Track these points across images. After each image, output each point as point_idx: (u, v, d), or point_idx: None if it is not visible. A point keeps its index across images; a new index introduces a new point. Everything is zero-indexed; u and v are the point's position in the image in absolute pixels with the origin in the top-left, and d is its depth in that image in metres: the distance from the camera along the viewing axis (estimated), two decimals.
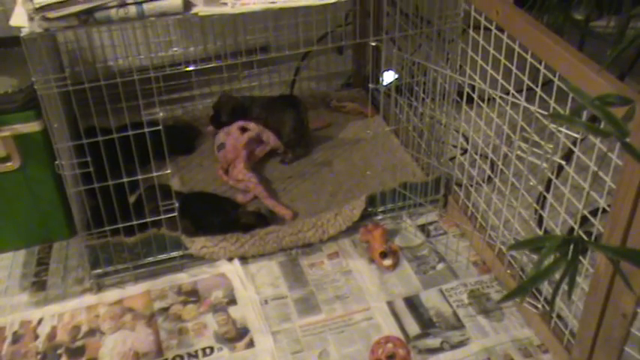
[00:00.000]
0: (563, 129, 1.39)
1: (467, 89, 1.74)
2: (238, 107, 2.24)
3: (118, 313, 1.72)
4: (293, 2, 1.53)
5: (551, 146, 1.44)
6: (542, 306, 1.60)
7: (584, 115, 1.27)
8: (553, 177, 1.57)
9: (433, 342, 1.62)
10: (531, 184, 1.58)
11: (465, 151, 1.97)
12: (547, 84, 1.41)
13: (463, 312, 1.70)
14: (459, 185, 1.95)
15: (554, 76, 1.35)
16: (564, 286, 0.88)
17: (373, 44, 1.93)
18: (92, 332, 1.68)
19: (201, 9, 1.49)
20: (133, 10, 1.42)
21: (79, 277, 1.83)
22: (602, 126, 1.04)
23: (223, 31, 2.33)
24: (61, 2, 1.38)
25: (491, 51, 1.58)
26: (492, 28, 1.54)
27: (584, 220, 1.44)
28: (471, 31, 1.65)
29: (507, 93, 1.52)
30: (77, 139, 1.60)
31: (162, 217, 1.73)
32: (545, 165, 1.46)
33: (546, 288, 1.63)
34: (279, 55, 1.98)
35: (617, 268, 1.17)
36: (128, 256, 1.79)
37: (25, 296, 1.78)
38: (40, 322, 1.71)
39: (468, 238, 1.90)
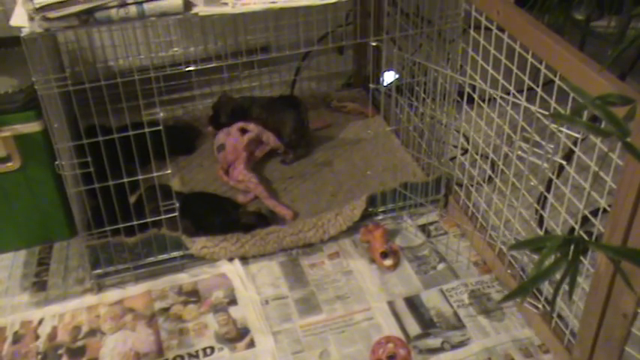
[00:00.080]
0: (563, 129, 1.39)
1: (467, 89, 1.74)
2: (238, 108, 2.24)
3: (119, 313, 1.72)
4: (293, 2, 1.53)
5: (552, 146, 1.44)
6: (543, 306, 1.60)
7: (585, 115, 1.27)
8: (554, 177, 1.57)
9: (434, 342, 1.62)
10: (532, 184, 1.58)
11: (465, 151, 1.97)
12: (548, 84, 1.41)
13: (464, 312, 1.69)
14: (460, 185, 1.94)
15: (555, 76, 1.34)
16: (565, 286, 0.88)
17: (374, 44, 1.93)
18: (93, 332, 1.68)
19: (201, 9, 1.49)
20: (133, 10, 1.42)
21: (80, 278, 1.83)
22: (602, 126, 1.04)
23: (224, 31, 2.33)
24: (61, 2, 1.38)
25: (492, 51, 1.58)
26: (493, 28, 1.53)
27: (584, 220, 1.44)
28: (471, 31, 1.65)
29: (508, 93, 1.52)
30: (77, 139, 1.60)
31: (163, 217, 1.73)
32: (545, 165, 1.46)
33: (547, 288, 1.63)
34: (280, 55, 1.98)
35: (618, 268, 1.17)
36: (129, 256, 1.79)
37: (25, 296, 1.78)
38: (40, 322, 1.71)
39: (469, 238, 1.90)
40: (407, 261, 1.85)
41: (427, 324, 1.67)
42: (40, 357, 1.62)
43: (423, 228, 1.97)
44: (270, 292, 1.77)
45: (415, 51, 1.99)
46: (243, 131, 2.14)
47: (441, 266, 1.84)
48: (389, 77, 2.17)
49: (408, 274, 1.82)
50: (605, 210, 1.28)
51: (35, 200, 1.85)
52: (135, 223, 1.73)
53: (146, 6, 1.43)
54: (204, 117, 2.38)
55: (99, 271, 1.78)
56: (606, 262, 1.24)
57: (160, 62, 2.31)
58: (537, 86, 1.44)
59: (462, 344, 1.61)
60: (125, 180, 1.66)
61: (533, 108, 1.42)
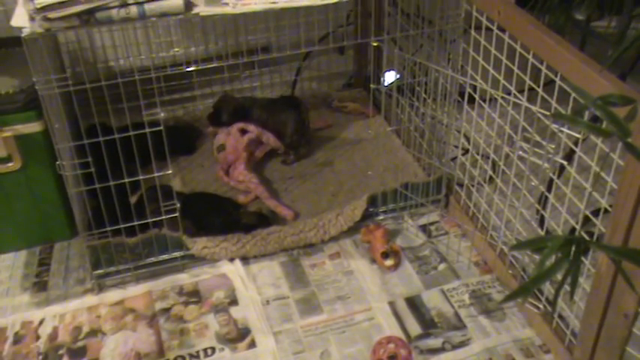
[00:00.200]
0: (564, 129, 1.39)
1: (468, 89, 1.74)
2: (239, 108, 2.24)
3: (120, 313, 1.72)
4: (294, 2, 1.53)
5: (553, 146, 1.44)
6: (544, 306, 1.60)
7: (586, 116, 1.27)
8: (555, 177, 1.57)
9: (435, 342, 1.62)
10: (533, 184, 1.58)
11: (466, 152, 1.97)
12: (548, 84, 1.41)
13: (465, 312, 1.69)
14: (461, 185, 1.94)
15: (556, 77, 1.34)
16: (566, 287, 0.88)
17: (374, 44, 1.93)
18: (93, 333, 1.68)
19: (202, 9, 1.49)
20: (134, 10, 1.42)
21: (81, 278, 1.83)
22: (603, 126, 1.04)
23: (224, 31, 2.33)
24: (62, 2, 1.38)
25: (493, 51, 1.58)
26: (494, 28, 1.53)
27: (585, 221, 1.44)
28: (472, 31, 1.65)
29: (509, 93, 1.52)
30: (78, 139, 1.60)
31: (164, 217, 1.73)
32: (546, 165, 1.46)
33: (547, 288, 1.63)
34: (281, 56, 1.98)
35: (619, 268, 1.17)
36: (129, 256, 1.79)
37: (26, 297, 1.79)
38: (41, 322, 1.71)
39: (470, 239, 1.90)
40: (408, 261, 1.85)
41: (428, 324, 1.67)
42: (40, 357, 1.62)
43: (424, 228, 1.97)
44: (270, 292, 1.77)
45: (416, 51, 1.99)
46: (243, 132, 2.14)
47: (441, 266, 1.84)
48: (390, 77, 2.17)
49: (409, 274, 1.82)
50: (606, 210, 1.28)
51: (36, 200, 1.85)
52: (136, 223, 1.73)
53: (147, 6, 1.43)
54: (204, 117, 2.38)
55: (100, 271, 1.78)
56: (607, 262, 1.24)
57: (160, 62, 2.31)
58: (538, 86, 1.44)
59: (462, 344, 1.61)
60: (126, 180, 1.66)
61: (534, 108, 1.42)
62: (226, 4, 1.52)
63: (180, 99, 2.49)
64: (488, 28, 1.56)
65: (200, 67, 2.07)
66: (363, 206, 1.93)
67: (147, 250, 1.80)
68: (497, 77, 1.59)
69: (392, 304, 1.73)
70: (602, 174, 1.29)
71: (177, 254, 1.83)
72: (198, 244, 1.82)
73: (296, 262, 1.87)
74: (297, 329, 1.67)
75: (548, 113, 1.34)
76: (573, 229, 1.47)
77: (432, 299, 1.74)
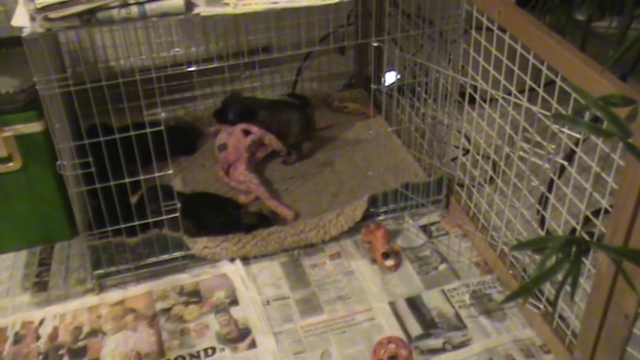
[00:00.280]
0: (565, 129, 1.39)
1: (469, 90, 1.74)
2: (247, 108, 2.23)
3: (120, 313, 1.72)
4: (295, 2, 1.53)
5: (553, 147, 1.44)
6: (544, 306, 1.60)
7: (587, 116, 1.27)
8: (555, 177, 1.57)
9: (435, 342, 1.62)
10: (533, 184, 1.58)
11: (466, 152, 1.97)
12: (549, 84, 1.41)
13: (465, 312, 1.69)
14: (461, 186, 1.94)
15: (556, 77, 1.34)
16: (567, 287, 0.88)
17: (375, 45, 1.93)
18: (94, 333, 1.68)
19: (203, 9, 1.49)
20: (135, 10, 1.42)
21: (81, 278, 1.83)
22: (604, 126, 1.04)
23: (225, 31, 2.33)
24: (62, 2, 1.38)
25: (493, 51, 1.58)
26: (494, 28, 1.53)
27: (586, 221, 1.44)
28: (473, 32, 1.65)
29: (509, 93, 1.52)
30: (79, 139, 1.60)
31: (164, 217, 1.73)
32: (547, 165, 1.46)
33: (548, 289, 1.63)
34: (281, 56, 1.98)
35: (619, 269, 1.17)
36: (130, 256, 1.79)
37: (26, 297, 1.79)
38: (41, 322, 1.71)
39: (470, 239, 1.90)
40: (408, 261, 1.85)
41: (428, 324, 1.67)
42: (41, 357, 1.62)
43: (425, 228, 1.97)
44: (271, 292, 1.77)
45: (416, 51, 1.99)
46: (247, 132, 2.14)
47: (442, 267, 1.84)
48: (390, 78, 2.17)
49: (410, 274, 1.82)
50: (606, 210, 1.28)
51: (36, 200, 1.85)
52: (136, 223, 1.73)
53: (148, 6, 1.43)
54: (205, 117, 2.38)
55: (100, 271, 1.78)
56: (608, 262, 1.24)
57: (161, 62, 2.31)
58: (539, 87, 1.44)
59: (463, 345, 1.61)
60: (127, 180, 1.66)
61: (534, 108, 1.42)
62: (227, 4, 1.52)
63: (181, 99, 2.49)
64: (488, 29, 1.56)
65: (201, 67, 2.07)
66: (363, 206, 1.93)
67: (147, 250, 1.80)
68: (498, 77, 1.59)
69: (392, 304, 1.73)
70: (603, 174, 1.29)
71: (177, 254, 1.83)
72: (199, 244, 1.82)
73: (296, 262, 1.87)
74: (297, 329, 1.67)
75: (548, 114, 1.34)
76: (574, 230, 1.47)
77: (433, 299, 1.74)
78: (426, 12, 1.90)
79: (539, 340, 1.61)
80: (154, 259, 1.82)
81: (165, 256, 1.82)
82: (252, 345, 1.63)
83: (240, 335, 1.66)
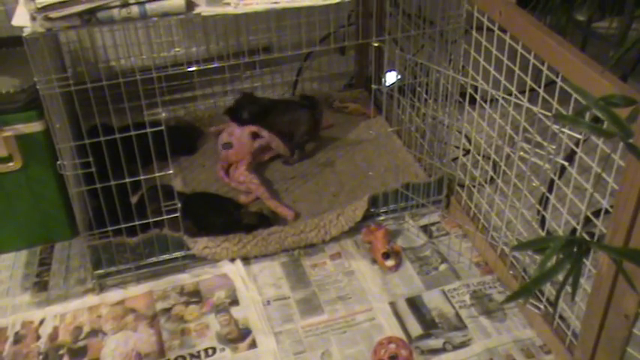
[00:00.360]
0: (565, 130, 1.39)
1: (469, 90, 1.74)
2: (262, 108, 2.22)
3: (120, 313, 1.72)
4: (296, 2, 1.53)
5: (554, 147, 1.44)
6: (545, 307, 1.60)
7: (587, 116, 1.27)
8: (556, 178, 1.57)
9: (435, 343, 1.62)
10: (534, 184, 1.58)
11: (467, 152, 1.97)
12: (549, 85, 1.41)
13: (465, 313, 1.69)
14: (462, 186, 1.94)
15: (557, 77, 1.34)
16: (567, 287, 0.88)
17: (376, 45, 1.93)
18: (94, 333, 1.68)
19: (203, 9, 1.49)
20: (135, 10, 1.42)
21: (81, 278, 1.83)
22: (605, 127, 1.04)
23: (226, 31, 2.33)
24: (63, 2, 1.37)
25: (494, 52, 1.58)
26: (495, 28, 1.53)
27: (586, 221, 1.44)
28: (473, 32, 1.65)
29: (510, 94, 1.52)
30: (79, 139, 1.60)
31: (165, 217, 1.73)
32: (547, 166, 1.46)
33: (548, 289, 1.63)
34: (282, 56, 1.98)
35: (620, 269, 1.17)
36: (130, 256, 1.79)
37: (27, 296, 1.79)
38: (42, 322, 1.71)
39: (471, 239, 1.90)
40: (409, 262, 1.85)
41: (429, 325, 1.67)
42: (41, 357, 1.62)
43: (425, 229, 1.97)
44: (271, 292, 1.77)
45: (417, 52, 1.99)
46: (255, 135, 2.13)
47: (442, 267, 1.83)
48: (391, 78, 2.17)
49: (410, 274, 1.82)
50: (607, 211, 1.28)
51: (37, 200, 1.85)
52: (137, 223, 1.73)
53: (148, 6, 1.43)
54: (206, 117, 2.38)
55: (100, 271, 1.78)
56: (608, 262, 1.24)
57: (161, 62, 2.31)
58: (539, 87, 1.44)
59: (463, 345, 1.61)
60: (127, 180, 1.66)
61: (535, 109, 1.42)
62: (228, 4, 1.52)
63: (182, 99, 2.49)
64: (489, 29, 1.56)
65: (201, 67, 2.07)
66: (364, 207, 1.93)
67: (148, 250, 1.80)
68: (499, 78, 1.59)
69: (393, 304, 1.73)
70: (603, 175, 1.29)
71: (178, 254, 1.83)
72: (199, 244, 1.82)
73: (297, 262, 1.87)
74: (297, 329, 1.67)
75: (549, 114, 1.34)
76: (574, 230, 1.47)
77: (433, 300, 1.74)
78: (426, 12, 1.90)
79: (539, 341, 1.61)
80: (154, 259, 1.82)
81: (166, 256, 1.82)
82: (253, 345, 1.63)
83: (241, 335, 1.66)
